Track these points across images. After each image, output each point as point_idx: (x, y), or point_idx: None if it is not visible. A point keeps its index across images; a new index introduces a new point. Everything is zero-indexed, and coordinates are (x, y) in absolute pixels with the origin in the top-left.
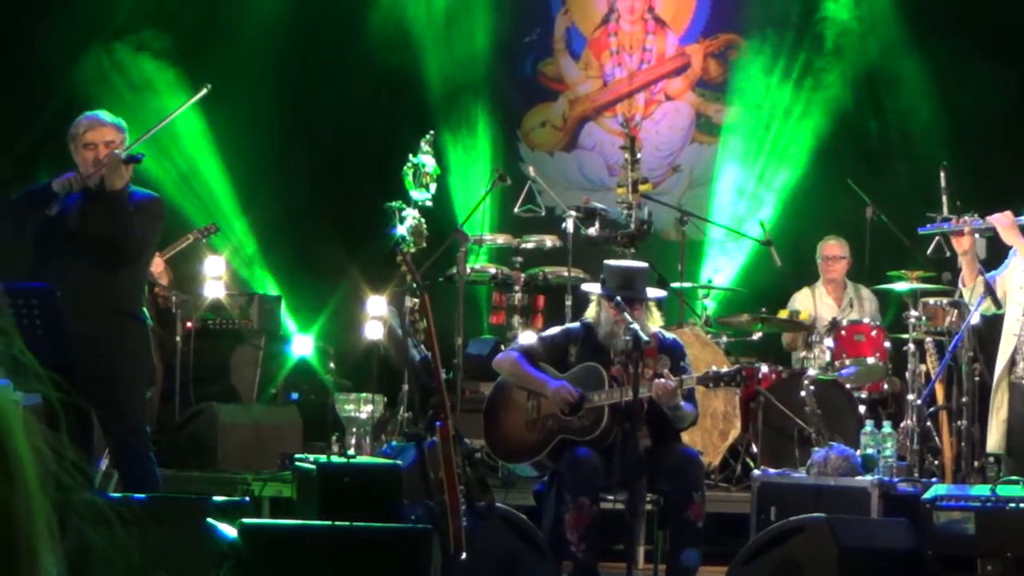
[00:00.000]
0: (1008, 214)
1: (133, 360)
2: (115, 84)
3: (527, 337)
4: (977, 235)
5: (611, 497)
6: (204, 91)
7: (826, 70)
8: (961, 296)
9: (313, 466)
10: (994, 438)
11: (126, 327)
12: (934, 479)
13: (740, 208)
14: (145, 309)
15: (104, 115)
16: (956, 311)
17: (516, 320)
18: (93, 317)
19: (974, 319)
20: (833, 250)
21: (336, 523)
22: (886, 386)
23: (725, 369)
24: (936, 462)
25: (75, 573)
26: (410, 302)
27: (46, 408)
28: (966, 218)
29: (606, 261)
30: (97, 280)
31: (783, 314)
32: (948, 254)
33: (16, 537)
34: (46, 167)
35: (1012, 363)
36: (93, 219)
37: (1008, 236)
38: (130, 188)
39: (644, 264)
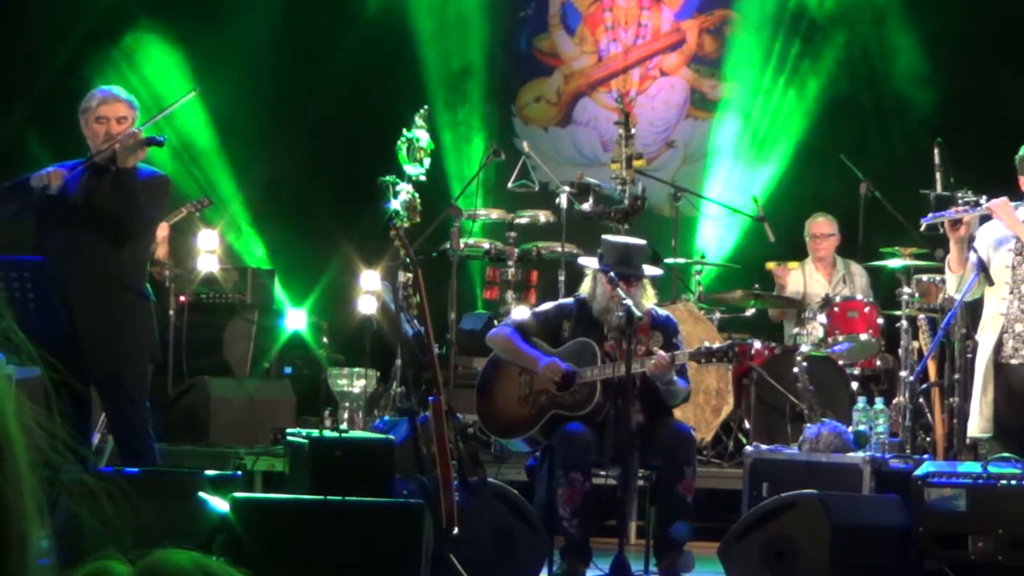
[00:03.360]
0: (1005, 200)
1: (136, 335)
2: (108, 58)
3: (520, 312)
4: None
5: (603, 473)
6: (191, 95)
7: (821, 47)
8: (945, 281)
9: (305, 440)
10: (979, 420)
11: (130, 302)
12: (926, 456)
13: (734, 184)
14: (148, 285)
15: (118, 91)
16: None
17: (509, 295)
18: (98, 292)
19: (967, 298)
20: (821, 228)
21: (328, 498)
22: (879, 363)
23: (717, 345)
24: (928, 439)
25: (65, 550)
26: (403, 277)
27: (44, 383)
28: (966, 206)
29: (605, 236)
30: (102, 255)
31: (771, 265)
32: (941, 231)
33: (5, 517)
34: (36, 141)
35: (1000, 343)
36: (98, 194)
37: (1007, 222)
38: (137, 165)
39: (643, 241)
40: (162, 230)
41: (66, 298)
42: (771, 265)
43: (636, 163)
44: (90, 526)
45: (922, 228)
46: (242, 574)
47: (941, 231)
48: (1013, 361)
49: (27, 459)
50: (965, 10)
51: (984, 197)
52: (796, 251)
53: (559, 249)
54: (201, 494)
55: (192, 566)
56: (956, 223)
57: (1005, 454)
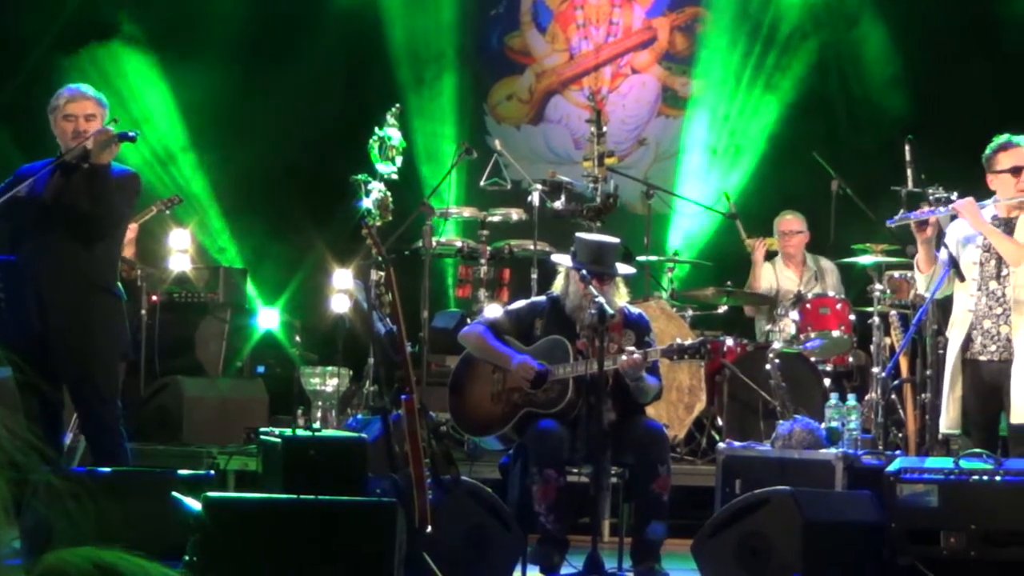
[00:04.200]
0: (971, 200)
1: (107, 333)
2: (81, 59)
3: (493, 310)
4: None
5: (576, 470)
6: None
7: (793, 45)
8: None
9: (278, 439)
10: (948, 416)
11: (101, 301)
12: (898, 451)
13: (706, 181)
14: (120, 284)
15: (86, 88)
16: None
17: (482, 293)
18: (69, 290)
19: (938, 295)
20: (790, 225)
21: (301, 496)
22: (851, 359)
23: (689, 342)
24: (900, 435)
25: (34, 549)
26: (376, 275)
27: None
28: (931, 205)
29: (578, 234)
30: (74, 254)
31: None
32: (913, 230)
33: None
34: (7, 140)
35: (968, 340)
36: (69, 193)
37: (973, 222)
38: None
39: (616, 239)
40: (131, 231)
41: (38, 298)
42: (749, 241)
43: (608, 161)
44: (59, 527)
45: (893, 227)
46: (140, 561)
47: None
48: (981, 357)
49: None
50: (936, 11)
51: (955, 194)
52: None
53: (531, 247)
54: (174, 494)
55: (86, 563)
56: (923, 224)
57: (976, 450)
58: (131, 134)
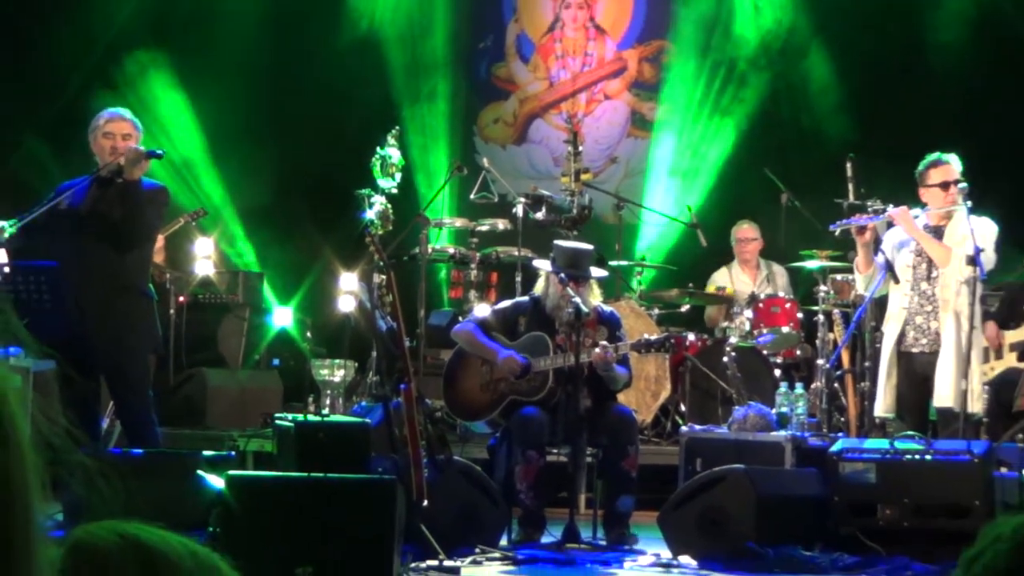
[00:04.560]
0: (904, 208)
1: (139, 331)
2: (114, 85)
3: (481, 310)
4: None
5: (555, 451)
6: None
7: (748, 75)
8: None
9: (291, 424)
10: (884, 402)
11: (134, 302)
12: (840, 434)
13: (670, 194)
14: (151, 285)
15: (124, 111)
16: None
17: (472, 294)
18: (105, 293)
19: (875, 294)
20: (746, 233)
21: (312, 474)
22: (799, 352)
23: (656, 337)
24: (842, 419)
25: (71, 523)
26: (378, 278)
27: (54, 375)
28: (869, 214)
29: (556, 241)
30: (108, 260)
31: (711, 289)
32: (853, 235)
33: (12, 493)
34: (50, 161)
35: (902, 334)
36: (104, 205)
37: (906, 227)
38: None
39: (590, 246)
40: (158, 240)
41: (76, 300)
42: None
43: (583, 177)
44: (95, 503)
45: (836, 233)
46: (162, 532)
47: (853, 235)
48: (914, 349)
49: (31, 442)
50: (874, 44)
51: (891, 205)
52: (724, 254)
53: (516, 253)
54: (199, 472)
55: (112, 535)
56: (861, 229)
57: (909, 432)
58: (158, 152)
